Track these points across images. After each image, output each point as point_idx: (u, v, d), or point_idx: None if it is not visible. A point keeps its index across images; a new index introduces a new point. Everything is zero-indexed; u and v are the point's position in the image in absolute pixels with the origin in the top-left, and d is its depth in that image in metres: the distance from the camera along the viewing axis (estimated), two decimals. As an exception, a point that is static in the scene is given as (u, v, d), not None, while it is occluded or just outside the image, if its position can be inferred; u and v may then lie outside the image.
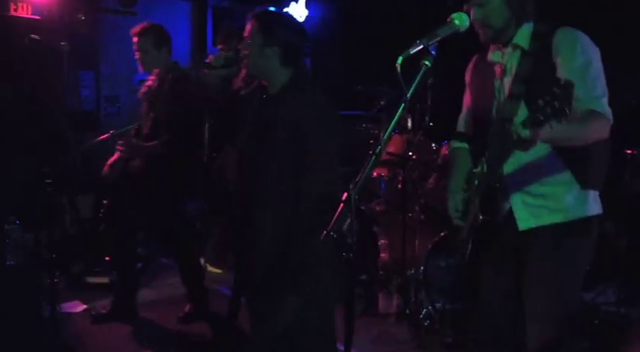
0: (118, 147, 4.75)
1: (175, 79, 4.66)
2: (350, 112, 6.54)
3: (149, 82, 4.80)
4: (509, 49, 2.81)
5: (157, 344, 4.63)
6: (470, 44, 2.77)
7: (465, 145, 3.13)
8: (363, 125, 5.92)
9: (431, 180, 5.24)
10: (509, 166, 2.74)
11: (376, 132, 5.94)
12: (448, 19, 2.34)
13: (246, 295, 3.66)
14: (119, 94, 7.75)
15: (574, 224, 2.77)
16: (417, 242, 5.06)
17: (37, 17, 6.14)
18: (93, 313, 5.02)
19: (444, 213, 5.00)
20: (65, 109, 6.75)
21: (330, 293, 3.09)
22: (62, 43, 5.77)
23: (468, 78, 3.11)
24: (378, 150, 2.22)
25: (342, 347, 2.46)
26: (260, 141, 3.13)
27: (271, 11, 3.24)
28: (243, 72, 4.12)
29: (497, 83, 2.86)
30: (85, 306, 5.20)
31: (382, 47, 6.79)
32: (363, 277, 5.14)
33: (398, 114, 2.24)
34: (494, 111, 2.85)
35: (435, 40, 2.25)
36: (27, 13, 6.45)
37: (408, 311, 4.86)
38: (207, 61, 3.23)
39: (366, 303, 5.03)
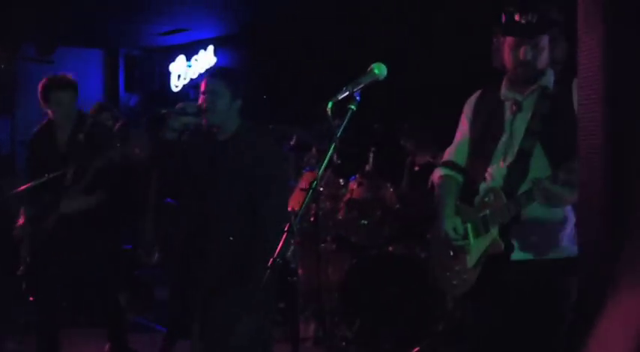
0: None
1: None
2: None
3: None
4: (531, 88, 3.00)
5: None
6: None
7: (456, 175, 3.25)
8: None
9: (341, 213, 5.69)
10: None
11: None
12: (368, 69, 2.59)
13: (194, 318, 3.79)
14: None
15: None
16: (330, 270, 5.49)
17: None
18: None
19: (354, 243, 5.52)
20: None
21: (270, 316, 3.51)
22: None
23: (469, 111, 3.27)
24: (314, 185, 2.50)
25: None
26: (213, 183, 3.55)
27: (230, 68, 3.68)
28: None
29: (509, 119, 3.05)
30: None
31: (287, 93, 7.26)
32: (282, 305, 5.49)
33: (330, 152, 2.54)
34: (500, 146, 3.04)
35: (358, 87, 2.53)
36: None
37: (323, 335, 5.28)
38: (177, 107, 3.40)
39: (286, 329, 5.35)
